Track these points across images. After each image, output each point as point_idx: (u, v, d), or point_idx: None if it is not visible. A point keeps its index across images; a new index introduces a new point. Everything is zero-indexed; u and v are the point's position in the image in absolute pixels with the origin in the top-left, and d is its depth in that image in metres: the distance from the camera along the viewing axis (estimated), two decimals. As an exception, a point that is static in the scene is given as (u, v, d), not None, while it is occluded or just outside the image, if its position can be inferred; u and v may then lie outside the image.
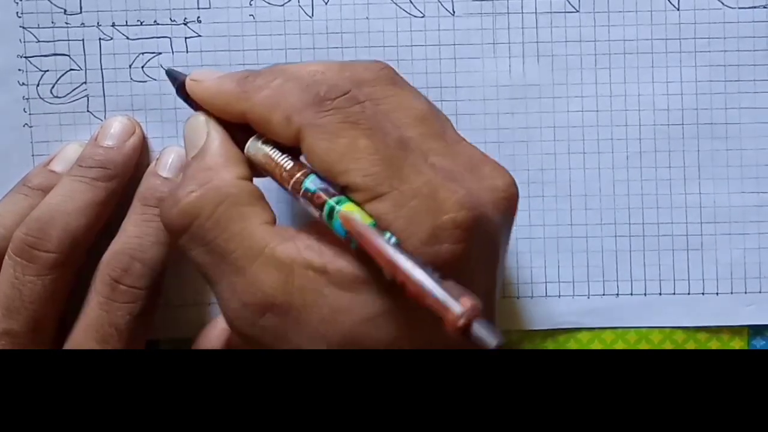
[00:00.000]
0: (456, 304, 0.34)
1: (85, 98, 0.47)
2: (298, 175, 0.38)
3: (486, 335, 0.34)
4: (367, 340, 0.37)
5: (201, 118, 0.42)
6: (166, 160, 0.46)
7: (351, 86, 0.38)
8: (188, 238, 0.39)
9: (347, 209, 0.37)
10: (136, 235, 0.44)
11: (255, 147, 0.40)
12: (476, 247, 0.37)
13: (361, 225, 0.36)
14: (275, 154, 0.39)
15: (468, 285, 0.36)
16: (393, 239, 0.36)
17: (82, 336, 0.44)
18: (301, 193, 0.38)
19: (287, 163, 0.39)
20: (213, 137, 0.41)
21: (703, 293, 0.47)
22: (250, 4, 0.47)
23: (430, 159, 0.38)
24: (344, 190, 0.37)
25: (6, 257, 0.44)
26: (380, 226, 0.37)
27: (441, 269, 0.36)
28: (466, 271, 0.37)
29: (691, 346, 0.47)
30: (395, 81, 0.40)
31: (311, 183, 0.38)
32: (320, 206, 0.37)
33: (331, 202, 0.37)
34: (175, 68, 0.45)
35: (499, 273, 0.40)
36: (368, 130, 0.37)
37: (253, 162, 0.40)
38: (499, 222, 0.39)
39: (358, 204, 0.37)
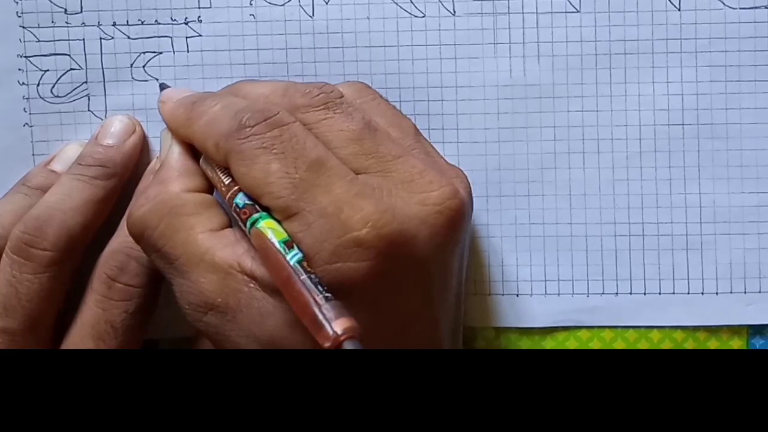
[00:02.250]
0: (328, 326, 0.36)
1: (86, 98, 0.47)
2: (233, 190, 0.40)
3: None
4: (287, 343, 0.39)
5: (167, 131, 0.44)
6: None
7: (281, 110, 0.40)
8: (144, 245, 0.41)
9: (266, 225, 0.39)
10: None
11: (204, 162, 0.42)
12: (392, 264, 0.38)
13: (266, 241, 0.38)
14: (217, 170, 0.41)
15: (380, 303, 0.38)
16: (297, 256, 0.38)
17: (79, 333, 0.44)
18: (232, 208, 0.40)
19: (226, 179, 0.41)
20: (173, 151, 0.43)
21: (702, 293, 0.47)
22: (251, 4, 0.47)
23: (359, 178, 0.39)
24: (267, 209, 0.39)
25: (3, 255, 0.44)
26: (294, 244, 0.38)
27: (344, 287, 0.38)
28: (378, 289, 0.38)
29: (690, 345, 0.47)
30: (329, 105, 0.41)
31: (240, 199, 0.40)
32: (245, 221, 0.39)
33: (254, 218, 0.39)
34: (166, 82, 0.46)
35: (436, 290, 0.41)
36: (280, 155, 0.39)
37: (206, 175, 0.42)
38: (429, 237, 0.39)
39: (279, 221, 0.39)
